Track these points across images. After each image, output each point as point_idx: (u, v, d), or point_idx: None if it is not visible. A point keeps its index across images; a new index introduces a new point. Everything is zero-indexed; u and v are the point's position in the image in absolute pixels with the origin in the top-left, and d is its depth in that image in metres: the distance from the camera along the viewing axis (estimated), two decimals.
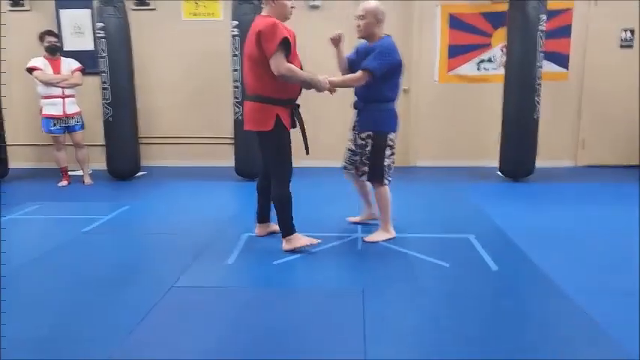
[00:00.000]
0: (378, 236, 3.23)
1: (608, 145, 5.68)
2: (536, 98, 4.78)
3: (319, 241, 3.08)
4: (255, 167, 4.19)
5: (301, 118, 3.04)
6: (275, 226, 3.33)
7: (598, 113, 5.63)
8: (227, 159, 5.39)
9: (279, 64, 2.76)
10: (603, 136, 5.66)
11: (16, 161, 5.61)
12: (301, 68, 2.97)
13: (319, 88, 2.97)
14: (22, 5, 5.68)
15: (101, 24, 4.89)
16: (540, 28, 4.69)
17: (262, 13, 2.92)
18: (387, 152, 3.11)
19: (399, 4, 5.51)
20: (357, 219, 3.61)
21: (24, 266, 2.83)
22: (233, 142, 5.16)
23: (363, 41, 3.16)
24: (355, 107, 3.20)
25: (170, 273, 2.69)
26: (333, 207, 4.08)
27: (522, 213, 3.85)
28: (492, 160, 5.29)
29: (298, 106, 3.05)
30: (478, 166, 5.62)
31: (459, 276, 2.66)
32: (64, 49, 5.48)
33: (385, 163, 3.11)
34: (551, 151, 5.57)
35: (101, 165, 5.34)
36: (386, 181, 3.15)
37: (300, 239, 3.06)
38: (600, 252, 3.01)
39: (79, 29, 5.72)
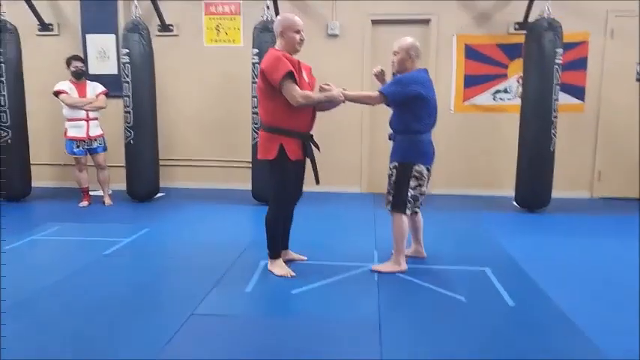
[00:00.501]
0: (385, 267, 3.23)
1: (625, 177, 5.65)
2: (552, 130, 4.80)
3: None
4: None
5: (312, 150, 3.10)
6: (293, 254, 3.38)
7: (614, 145, 5.63)
8: (244, 182, 5.48)
9: (291, 92, 2.85)
10: (619, 168, 5.65)
11: (39, 180, 5.75)
12: None
13: (336, 102, 3.06)
14: (51, 30, 5.89)
15: (126, 50, 5.05)
16: (557, 60, 4.74)
17: (275, 46, 3.03)
18: (412, 183, 3.13)
19: (416, 34, 5.57)
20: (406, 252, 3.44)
21: (46, 289, 2.89)
22: (250, 166, 5.25)
23: None
24: (389, 138, 3.28)
25: (190, 299, 2.74)
26: (350, 235, 4.12)
27: (538, 245, 3.85)
28: (508, 190, 5.30)
29: (311, 136, 3.12)
30: (493, 196, 5.64)
31: (476, 311, 2.66)
32: (90, 72, 5.65)
33: (409, 194, 3.14)
34: (567, 183, 5.56)
35: (121, 185, 5.44)
36: (408, 212, 3.18)
37: (279, 268, 3.14)
38: (618, 287, 2.99)
39: (104, 53, 5.89)
